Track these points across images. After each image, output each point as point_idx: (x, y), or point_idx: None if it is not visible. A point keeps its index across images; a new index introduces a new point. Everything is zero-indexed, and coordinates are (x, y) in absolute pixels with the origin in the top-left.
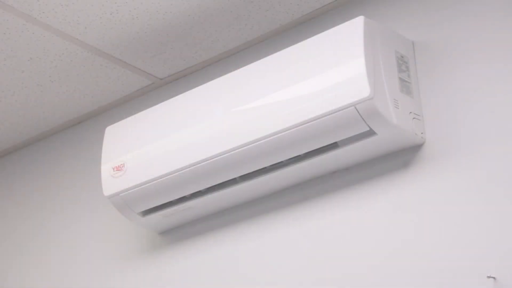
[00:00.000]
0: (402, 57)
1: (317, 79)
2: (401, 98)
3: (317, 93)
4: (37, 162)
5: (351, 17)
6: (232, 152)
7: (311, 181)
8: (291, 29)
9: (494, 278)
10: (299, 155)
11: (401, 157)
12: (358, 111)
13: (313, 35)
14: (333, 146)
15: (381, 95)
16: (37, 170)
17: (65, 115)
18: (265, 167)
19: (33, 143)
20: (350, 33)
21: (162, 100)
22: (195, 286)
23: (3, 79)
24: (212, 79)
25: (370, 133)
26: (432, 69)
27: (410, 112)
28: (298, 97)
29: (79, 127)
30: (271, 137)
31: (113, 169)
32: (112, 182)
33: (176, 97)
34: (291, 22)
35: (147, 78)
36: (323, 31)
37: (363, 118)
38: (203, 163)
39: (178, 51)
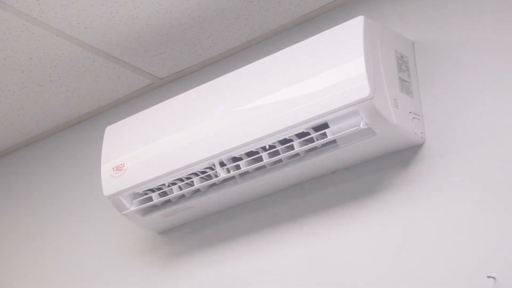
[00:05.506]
0: (402, 57)
1: (317, 79)
2: (401, 98)
3: (317, 93)
4: (37, 162)
5: (351, 17)
6: (232, 152)
7: (311, 181)
8: (291, 29)
9: (494, 278)
10: (299, 155)
11: (401, 157)
12: (358, 111)
13: (313, 35)
14: (333, 146)
15: (381, 95)
16: (37, 170)
17: (65, 115)
18: (265, 167)
19: (33, 143)
20: (350, 33)
21: (162, 100)
22: (195, 286)
23: (3, 79)
24: (212, 79)
25: (370, 133)
26: (432, 69)
27: (410, 112)
28: (298, 97)
29: (79, 127)
30: (271, 137)
31: (113, 169)
32: (112, 182)
33: (176, 97)
34: (291, 22)
35: (147, 78)
36: (323, 31)
37: (363, 118)
38: (203, 163)
39: (178, 51)
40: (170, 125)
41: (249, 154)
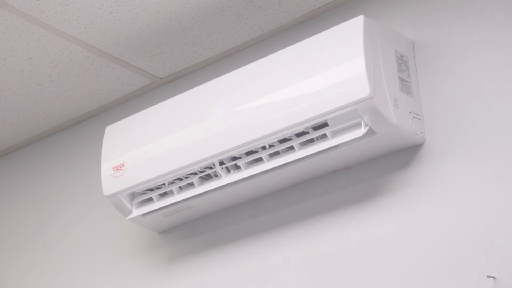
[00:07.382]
0: (402, 56)
1: (317, 78)
2: (401, 98)
3: (316, 93)
4: (37, 162)
5: (351, 16)
6: (232, 152)
7: (311, 181)
8: (291, 28)
9: (494, 278)
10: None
11: (401, 157)
12: (358, 111)
13: (313, 35)
14: (333, 146)
15: (381, 95)
16: (37, 170)
17: (65, 115)
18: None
19: (33, 143)
20: (350, 32)
21: (162, 100)
22: (195, 285)
23: (3, 79)
24: (212, 78)
25: (370, 132)
26: (432, 69)
27: (410, 112)
28: (298, 96)
29: (79, 127)
30: (271, 137)
31: (113, 168)
32: (112, 182)
33: (176, 96)
34: (291, 21)
35: (147, 78)
36: (323, 30)
37: (363, 118)
38: (203, 162)
39: (178, 51)
40: (170, 125)
41: (248, 153)
